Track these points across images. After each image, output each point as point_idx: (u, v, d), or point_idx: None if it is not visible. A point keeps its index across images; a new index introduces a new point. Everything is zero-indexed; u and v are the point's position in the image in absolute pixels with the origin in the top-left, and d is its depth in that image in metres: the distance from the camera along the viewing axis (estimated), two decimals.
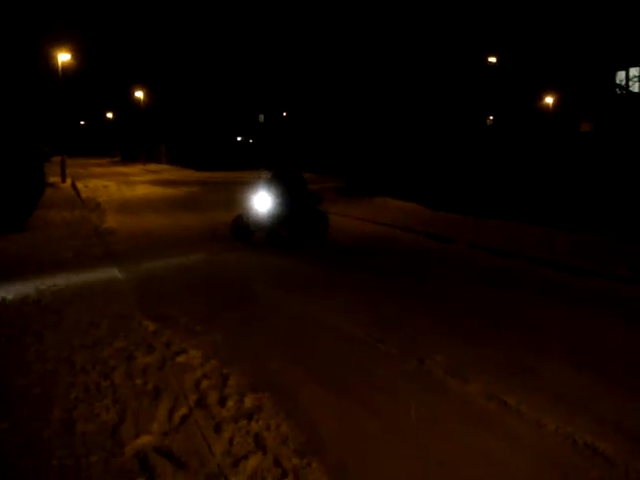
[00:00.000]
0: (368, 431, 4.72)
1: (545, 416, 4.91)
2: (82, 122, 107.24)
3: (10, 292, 8.59)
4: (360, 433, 4.68)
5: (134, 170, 50.24)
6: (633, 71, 31.32)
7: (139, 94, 65.15)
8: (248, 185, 14.42)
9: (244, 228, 13.67)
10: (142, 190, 28.78)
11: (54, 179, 30.45)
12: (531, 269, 11.06)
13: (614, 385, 5.62)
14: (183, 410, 4.91)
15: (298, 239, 13.10)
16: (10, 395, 5.17)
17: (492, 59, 40.39)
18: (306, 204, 13.63)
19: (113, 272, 10.12)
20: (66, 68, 34.07)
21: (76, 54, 36.04)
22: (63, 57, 32.69)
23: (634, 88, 30.27)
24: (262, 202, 13.13)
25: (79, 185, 29.23)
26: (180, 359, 6.05)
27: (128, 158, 74.20)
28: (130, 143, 77.26)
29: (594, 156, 13.92)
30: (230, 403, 5.08)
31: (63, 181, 31.10)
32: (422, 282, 10.02)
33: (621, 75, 33.17)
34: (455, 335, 7.10)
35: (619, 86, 31.80)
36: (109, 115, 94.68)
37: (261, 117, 65.45)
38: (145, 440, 4.43)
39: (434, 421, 4.88)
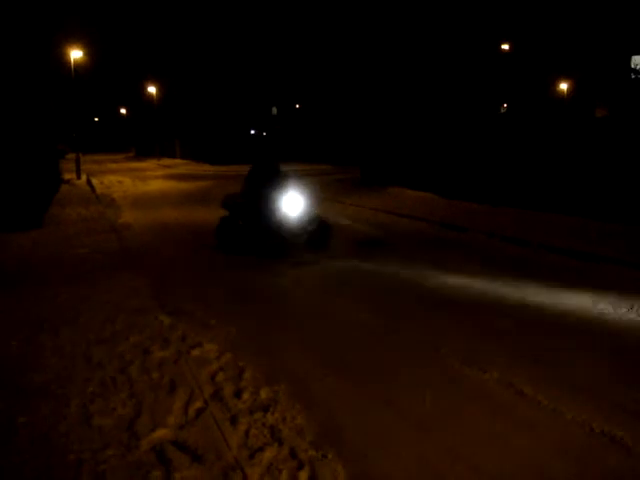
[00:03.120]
0: (383, 421, 4.71)
1: (562, 405, 4.88)
2: (96, 119, 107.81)
3: (27, 288, 8.66)
4: (376, 423, 4.67)
5: (148, 165, 50.47)
6: None
7: (152, 89, 65.31)
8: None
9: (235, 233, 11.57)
10: (157, 185, 28.90)
11: (69, 176, 30.62)
12: (548, 258, 10.95)
13: (633, 374, 5.56)
14: (199, 403, 4.93)
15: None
16: (28, 391, 5.21)
17: (505, 46, 40.13)
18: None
19: (128, 267, 10.16)
20: (79, 65, 34.28)
21: (88, 50, 36.20)
22: (75, 54, 32.86)
23: None
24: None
25: (94, 181, 29.41)
26: (195, 352, 6.07)
27: (142, 153, 74.54)
28: (144, 138, 77.61)
29: (609, 142, 13.77)
30: (246, 395, 5.09)
31: (78, 177, 31.28)
32: (439, 271, 9.96)
33: (637, 59, 32.84)
34: (472, 324, 7.07)
35: (634, 70, 31.49)
36: (122, 111, 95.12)
37: (274, 110, 65.48)
38: (161, 433, 4.45)
39: (449, 410, 4.86)
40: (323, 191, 19.86)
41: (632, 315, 7.32)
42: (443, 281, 9.21)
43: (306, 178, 24.16)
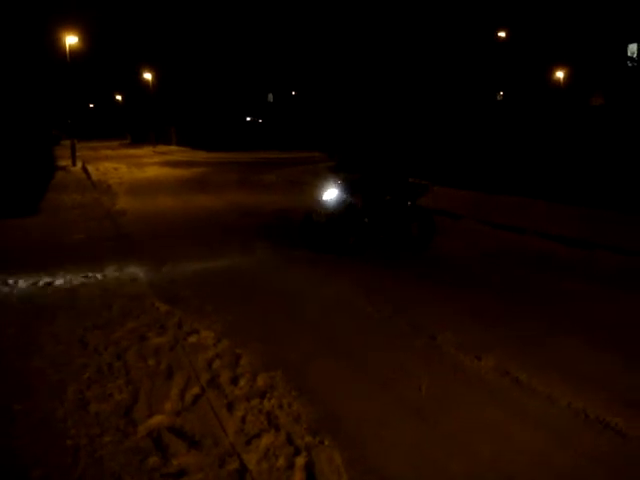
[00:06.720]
0: (380, 408, 4.72)
1: (556, 391, 4.90)
2: (91, 105, 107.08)
3: (23, 275, 8.64)
4: (372, 410, 4.69)
5: (144, 152, 50.24)
6: None
7: (147, 75, 64.98)
8: (260, 166, 14.10)
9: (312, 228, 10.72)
10: (153, 172, 28.80)
11: (65, 162, 30.48)
12: (541, 245, 10.94)
13: (627, 360, 5.59)
14: (195, 390, 4.94)
15: (365, 245, 10.59)
16: (24, 377, 5.22)
17: (502, 34, 39.97)
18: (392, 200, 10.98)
19: (124, 253, 10.15)
20: (74, 51, 34.04)
21: (83, 36, 35.93)
22: (70, 40, 32.63)
23: None
24: (329, 197, 10.64)
25: (89, 168, 29.26)
26: (192, 339, 6.08)
27: (138, 140, 74.15)
28: (140, 125, 77.18)
29: (605, 130, 13.76)
30: (242, 382, 5.10)
31: (74, 164, 31.12)
32: (431, 259, 9.98)
33: (632, 48, 32.81)
34: (466, 311, 7.09)
35: (630, 59, 31.48)
36: (118, 97, 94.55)
37: (270, 96, 65.25)
38: (158, 420, 4.46)
39: (445, 396, 4.88)
40: (310, 178, 19.76)
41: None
42: None
43: (297, 167, 24.08)
